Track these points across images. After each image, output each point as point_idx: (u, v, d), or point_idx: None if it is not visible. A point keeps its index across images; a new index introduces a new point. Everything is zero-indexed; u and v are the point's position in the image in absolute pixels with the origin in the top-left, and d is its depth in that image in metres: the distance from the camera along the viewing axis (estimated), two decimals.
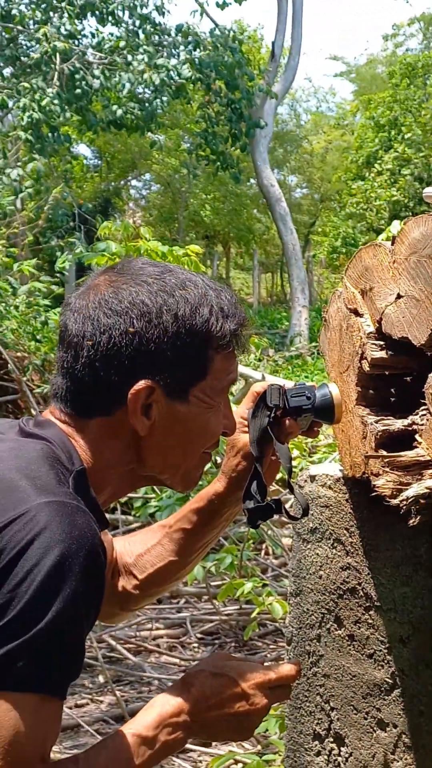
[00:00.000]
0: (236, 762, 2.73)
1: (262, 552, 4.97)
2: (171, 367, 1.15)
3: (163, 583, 1.47)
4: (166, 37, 14.77)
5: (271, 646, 4.00)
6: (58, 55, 12.60)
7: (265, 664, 1.23)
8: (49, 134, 12.44)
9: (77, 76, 12.95)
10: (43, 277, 7.39)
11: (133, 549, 1.45)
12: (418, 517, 1.22)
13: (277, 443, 1.31)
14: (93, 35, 14.68)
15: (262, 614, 3.63)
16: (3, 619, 0.97)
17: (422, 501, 1.22)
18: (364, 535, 1.44)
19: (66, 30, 13.05)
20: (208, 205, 25.42)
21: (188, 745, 2.77)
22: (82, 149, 26.04)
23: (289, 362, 13.25)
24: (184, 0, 17.46)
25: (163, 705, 1.14)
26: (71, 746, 3.05)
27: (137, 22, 14.40)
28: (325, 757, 1.52)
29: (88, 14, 13.89)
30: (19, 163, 10.77)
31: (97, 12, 13.84)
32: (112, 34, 14.40)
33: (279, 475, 1.44)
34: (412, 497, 1.21)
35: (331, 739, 1.51)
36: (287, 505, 1.42)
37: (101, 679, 3.73)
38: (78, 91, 12.94)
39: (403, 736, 1.40)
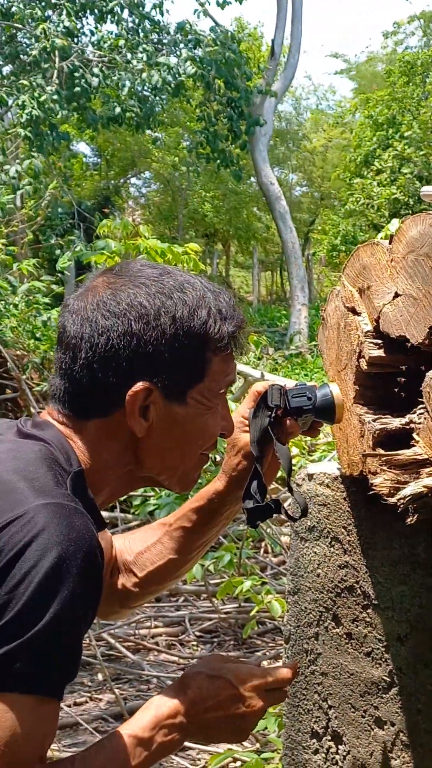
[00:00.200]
0: (235, 760, 2.73)
1: (261, 550, 4.97)
2: (169, 369, 1.15)
3: (163, 581, 1.47)
4: (165, 35, 14.76)
5: (270, 644, 4.00)
6: (57, 52, 12.60)
7: (263, 663, 1.23)
8: (48, 132, 12.43)
9: (76, 74, 12.94)
10: (43, 276, 7.40)
11: (133, 547, 1.46)
12: (416, 516, 1.22)
13: (277, 443, 1.31)
14: (92, 33, 14.68)
15: (261, 612, 3.64)
16: (1, 621, 0.97)
17: (421, 499, 1.22)
18: (362, 534, 1.44)
19: (65, 27, 13.04)
20: (207, 203, 25.42)
21: (187, 744, 2.77)
22: (82, 147, 26.05)
23: (288, 360, 13.25)
24: None
25: (160, 706, 1.15)
26: (70, 744, 3.05)
27: (136, 20, 14.39)
28: (323, 755, 1.52)
29: (87, 12, 13.89)
30: (17, 161, 10.77)
31: (96, 10, 13.83)
32: (111, 32, 14.39)
33: (278, 474, 1.44)
34: (409, 496, 1.21)
35: (329, 737, 1.51)
36: (286, 505, 1.42)
37: (100, 677, 3.73)
38: (77, 89, 12.93)
39: (401, 734, 1.40)
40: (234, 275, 31.83)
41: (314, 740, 1.54)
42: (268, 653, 3.85)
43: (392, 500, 1.24)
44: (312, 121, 29.81)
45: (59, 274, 8.56)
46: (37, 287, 6.73)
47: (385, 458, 1.27)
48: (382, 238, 1.42)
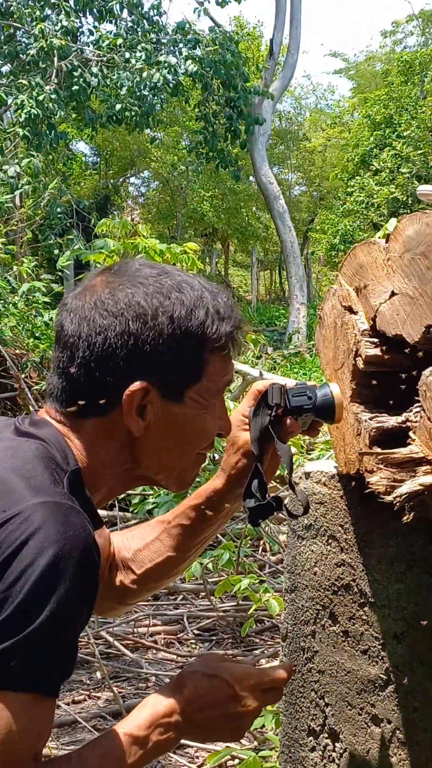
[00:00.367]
0: (233, 758, 2.74)
1: (260, 549, 4.97)
2: (166, 369, 1.16)
3: (161, 578, 1.48)
4: (163, 35, 14.75)
5: (269, 643, 4.00)
6: (55, 52, 12.59)
7: (262, 661, 1.24)
8: (47, 131, 12.42)
9: (75, 74, 12.93)
10: (42, 275, 7.40)
11: (131, 544, 1.46)
12: (412, 514, 1.22)
13: (278, 442, 1.31)
14: (91, 32, 14.67)
15: (259, 611, 3.64)
16: None
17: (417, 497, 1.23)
18: (359, 532, 1.45)
19: (63, 27, 13.03)
20: (206, 203, 25.42)
21: (185, 741, 2.78)
22: (81, 146, 26.04)
23: (287, 360, 13.25)
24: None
25: (156, 705, 1.15)
26: (68, 742, 3.06)
27: (135, 20, 14.38)
28: (320, 752, 1.53)
29: (86, 11, 13.87)
30: (16, 160, 10.77)
31: (95, 9, 13.82)
32: (110, 32, 14.39)
33: (277, 473, 1.45)
34: (405, 494, 1.21)
35: (326, 735, 1.52)
36: (286, 502, 1.42)
37: (99, 675, 3.73)
38: (75, 87, 12.92)
39: (398, 731, 1.40)
40: (233, 274, 31.83)
41: (311, 738, 1.55)
42: (266, 651, 3.85)
43: (389, 498, 1.24)
44: (311, 121, 29.80)
45: (59, 273, 8.56)
46: (37, 286, 6.74)
47: (381, 456, 1.28)
48: (379, 237, 1.43)
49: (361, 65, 29.37)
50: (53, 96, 12.19)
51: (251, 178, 22.27)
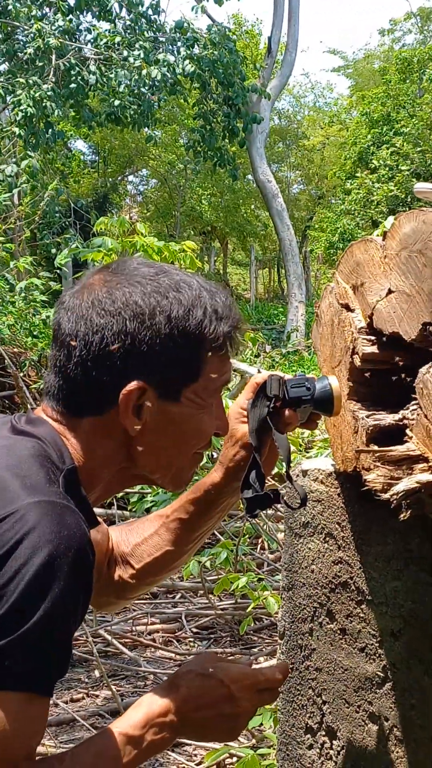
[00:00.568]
0: (231, 756, 2.74)
1: (258, 547, 4.97)
2: (163, 368, 1.15)
3: (160, 573, 1.48)
4: (161, 34, 14.74)
5: (267, 641, 4.00)
6: (53, 50, 12.57)
7: (260, 659, 1.24)
8: (44, 130, 12.40)
9: (73, 72, 12.91)
10: (40, 273, 7.40)
11: (130, 539, 1.46)
12: (409, 511, 1.22)
13: (276, 433, 1.31)
14: (89, 31, 14.64)
15: (257, 609, 3.64)
16: None
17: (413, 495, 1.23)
18: (356, 530, 1.45)
19: (60, 26, 13.01)
20: (205, 201, 25.41)
21: (183, 740, 2.78)
22: (80, 145, 26.01)
23: (285, 358, 13.25)
24: None
25: (151, 705, 1.15)
26: (67, 741, 3.06)
27: (133, 18, 14.36)
28: (318, 750, 1.53)
29: (84, 10, 13.85)
30: (14, 159, 10.75)
31: (93, 9, 13.80)
32: (108, 31, 14.36)
33: (275, 471, 1.45)
34: (402, 491, 1.22)
35: (324, 732, 1.52)
36: (283, 493, 1.42)
37: (97, 673, 3.74)
38: (73, 85, 12.90)
39: (395, 729, 1.40)
40: (231, 273, 31.84)
41: (309, 735, 1.55)
42: (264, 649, 3.85)
43: (386, 496, 1.24)
44: (309, 119, 29.79)
45: (57, 271, 8.56)
46: (35, 284, 6.74)
47: (378, 454, 1.28)
48: (377, 235, 1.42)
49: (360, 63, 29.37)
50: (50, 94, 12.17)
51: (249, 176, 22.28)
